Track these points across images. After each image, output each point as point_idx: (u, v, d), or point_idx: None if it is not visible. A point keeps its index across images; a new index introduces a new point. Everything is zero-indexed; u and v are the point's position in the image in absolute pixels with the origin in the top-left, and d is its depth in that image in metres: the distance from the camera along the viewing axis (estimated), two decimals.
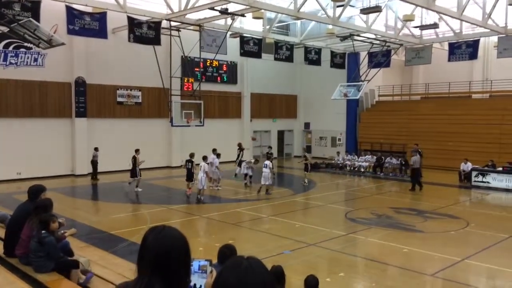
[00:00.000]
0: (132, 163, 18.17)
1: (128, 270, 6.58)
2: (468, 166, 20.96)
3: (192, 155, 17.31)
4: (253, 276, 1.58)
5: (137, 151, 18.43)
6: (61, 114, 22.13)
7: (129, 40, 18.00)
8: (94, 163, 20.94)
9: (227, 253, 4.94)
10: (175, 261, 1.86)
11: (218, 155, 18.85)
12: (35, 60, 20.69)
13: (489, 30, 21.36)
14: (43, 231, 5.86)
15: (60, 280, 5.83)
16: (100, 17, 17.01)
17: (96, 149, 20.92)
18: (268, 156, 19.74)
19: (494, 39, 23.72)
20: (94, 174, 20.93)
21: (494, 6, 19.82)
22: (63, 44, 13.72)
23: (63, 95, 22.11)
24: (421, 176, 20.01)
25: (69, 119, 22.42)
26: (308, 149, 32.43)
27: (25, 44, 18.67)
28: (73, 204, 16.28)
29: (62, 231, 6.56)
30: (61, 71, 21.68)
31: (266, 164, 17.84)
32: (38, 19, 13.88)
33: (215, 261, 5.28)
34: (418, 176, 19.39)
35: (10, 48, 19.84)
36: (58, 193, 16.85)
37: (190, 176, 17.14)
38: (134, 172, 18.13)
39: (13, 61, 20.07)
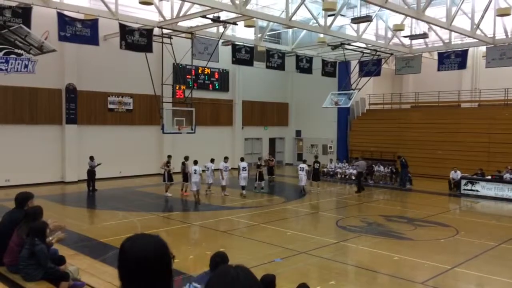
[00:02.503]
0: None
1: (117, 278, 6.52)
2: (458, 174, 21.13)
3: (186, 158, 18.83)
4: (240, 285, 1.57)
5: (169, 157, 19.50)
6: (51, 121, 21.99)
7: (120, 47, 17.95)
8: (89, 172, 19.77)
9: (218, 261, 4.93)
10: (154, 270, 1.82)
11: (212, 160, 19.39)
12: (26, 66, 20.38)
13: (477, 40, 21.66)
14: (36, 239, 5.81)
15: None
16: (92, 24, 16.96)
17: (91, 158, 19.88)
18: (259, 165, 20.67)
19: (483, 49, 24.05)
20: (89, 184, 19.76)
21: (482, 17, 20.14)
22: (54, 50, 13.69)
23: (53, 102, 21.98)
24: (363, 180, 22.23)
25: (59, 125, 22.28)
26: (299, 156, 32.57)
27: (16, 50, 18.50)
28: (62, 211, 16.13)
29: (51, 238, 6.49)
30: (52, 78, 21.56)
31: (303, 167, 19.74)
32: (29, 26, 13.83)
33: (207, 269, 5.27)
34: (360, 179, 21.25)
35: (1, 54, 19.62)
36: (48, 200, 16.69)
37: (185, 177, 18.79)
38: (169, 177, 19.11)
39: (3, 68, 19.75)
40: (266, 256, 10.38)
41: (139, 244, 1.85)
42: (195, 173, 17.57)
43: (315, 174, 20.75)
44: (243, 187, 19.13)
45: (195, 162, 18.02)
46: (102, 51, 21.57)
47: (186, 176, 18.86)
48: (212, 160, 19.30)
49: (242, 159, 20.39)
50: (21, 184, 19.11)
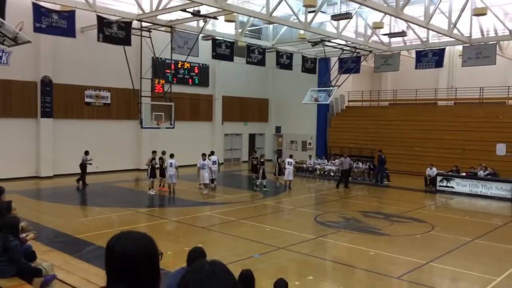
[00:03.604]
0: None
1: (93, 275, 6.41)
2: (434, 171, 21.52)
3: (163, 153, 19.14)
4: (215, 280, 1.54)
5: (154, 152, 18.93)
6: (26, 114, 21.46)
7: (98, 40, 17.60)
8: (82, 166, 19.71)
9: (196, 256, 4.89)
10: (142, 268, 1.78)
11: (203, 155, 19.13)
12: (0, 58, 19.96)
13: (454, 40, 22.03)
14: (9, 235, 5.67)
15: (22, 286, 5.63)
16: (69, 16, 16.57)
17: (86, 152, 19.86)
18: (262, 162, 20.58)
19: (459, 48, 24.48)
20: (81, 177, 19.67)
21: (459, 16, 20.48)
22: (29, 42, 13.26)
23: (28, 95, 21.44)
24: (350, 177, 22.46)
25: (34, 119, 21.77)
26: (279, 152, 32.65)
27: None
28: (36, 206, 15.81)
29: (24, 235, 6.35)
30: (26, 70, 21.03)
31: (290, 162, 20.53)
32: (3, 16, 13.41)
33: (184, 264, 5.22)
34: (345, 176, 21.66)
35: None
36: (21, 195, 16.33)
37: (162, 172, 18.94)
38: (152, 173, 18.46)
39: None
40: (245, 252, 10.38)
41: (127, 242, 1.81)
42: (170, 166, 18.08)
43: (280, 170, 21.21)
44: (212, 180, 19.33)
45: (171, 156, 18.45)
46: (79, 44, 21.15)
47: (163, 171, 18.78)
48: (203, 155, 19.02)
49: (212, 153, 20.55)
50: None
